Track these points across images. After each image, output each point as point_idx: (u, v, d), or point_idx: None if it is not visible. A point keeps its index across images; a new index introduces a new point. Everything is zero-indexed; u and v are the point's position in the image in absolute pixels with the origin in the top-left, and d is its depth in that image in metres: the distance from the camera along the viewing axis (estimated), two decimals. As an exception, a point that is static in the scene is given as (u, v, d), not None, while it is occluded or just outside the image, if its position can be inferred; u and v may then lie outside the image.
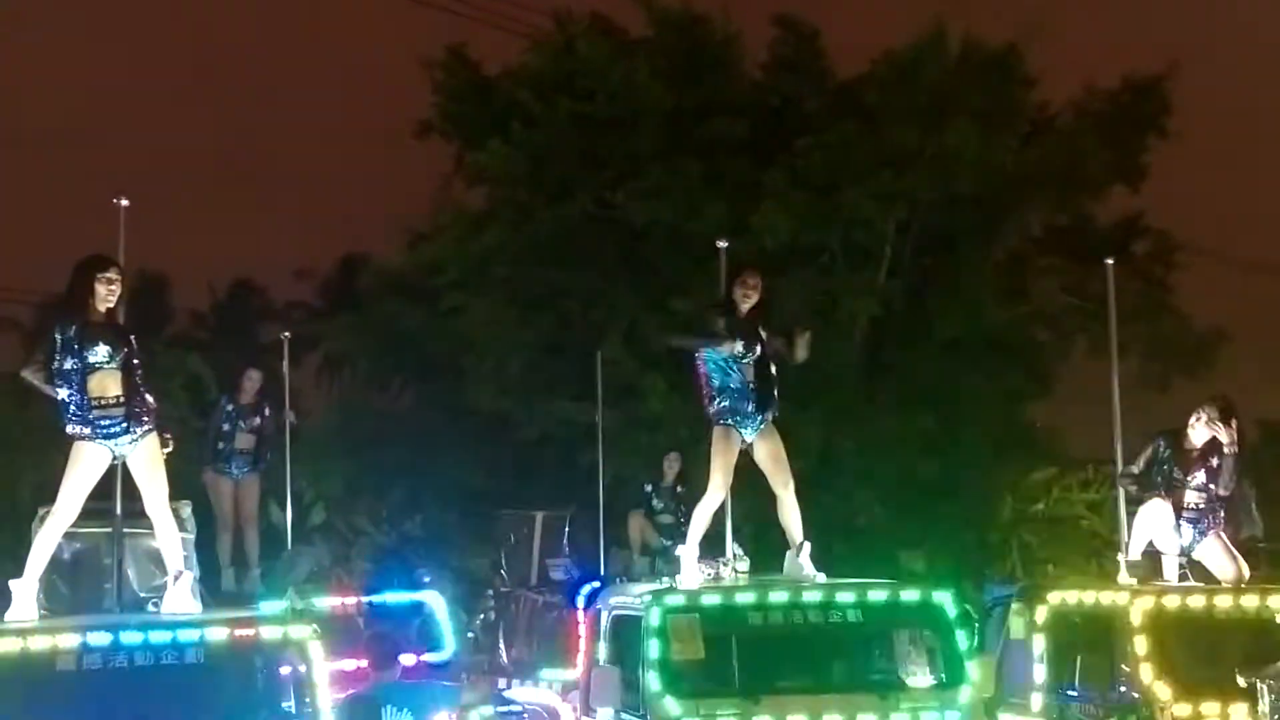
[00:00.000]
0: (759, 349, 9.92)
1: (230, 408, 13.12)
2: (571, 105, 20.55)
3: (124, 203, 8.85)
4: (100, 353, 8.12)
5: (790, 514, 9.95)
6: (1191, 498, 9.98)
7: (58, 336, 8.15)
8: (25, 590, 7.99)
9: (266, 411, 13.22)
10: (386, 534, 19.99)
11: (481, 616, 16.84)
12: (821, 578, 9.68)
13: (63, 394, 8.13)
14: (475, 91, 22.16)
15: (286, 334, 14.71)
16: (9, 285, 24.71)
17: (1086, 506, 21.06)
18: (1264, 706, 8.61)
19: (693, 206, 19.33)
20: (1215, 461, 9.91)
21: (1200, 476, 9.94)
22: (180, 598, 8.19)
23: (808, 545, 9.85)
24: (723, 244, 10.62)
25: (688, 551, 9.80)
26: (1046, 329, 22.28)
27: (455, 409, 21.81)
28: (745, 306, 9.96)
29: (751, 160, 20.06)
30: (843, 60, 21.62)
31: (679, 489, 14.22)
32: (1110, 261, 11.69)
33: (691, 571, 9.68)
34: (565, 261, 20.53)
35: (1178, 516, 9.97)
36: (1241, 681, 8.73)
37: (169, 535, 8.36)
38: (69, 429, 8.15)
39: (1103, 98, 21.31)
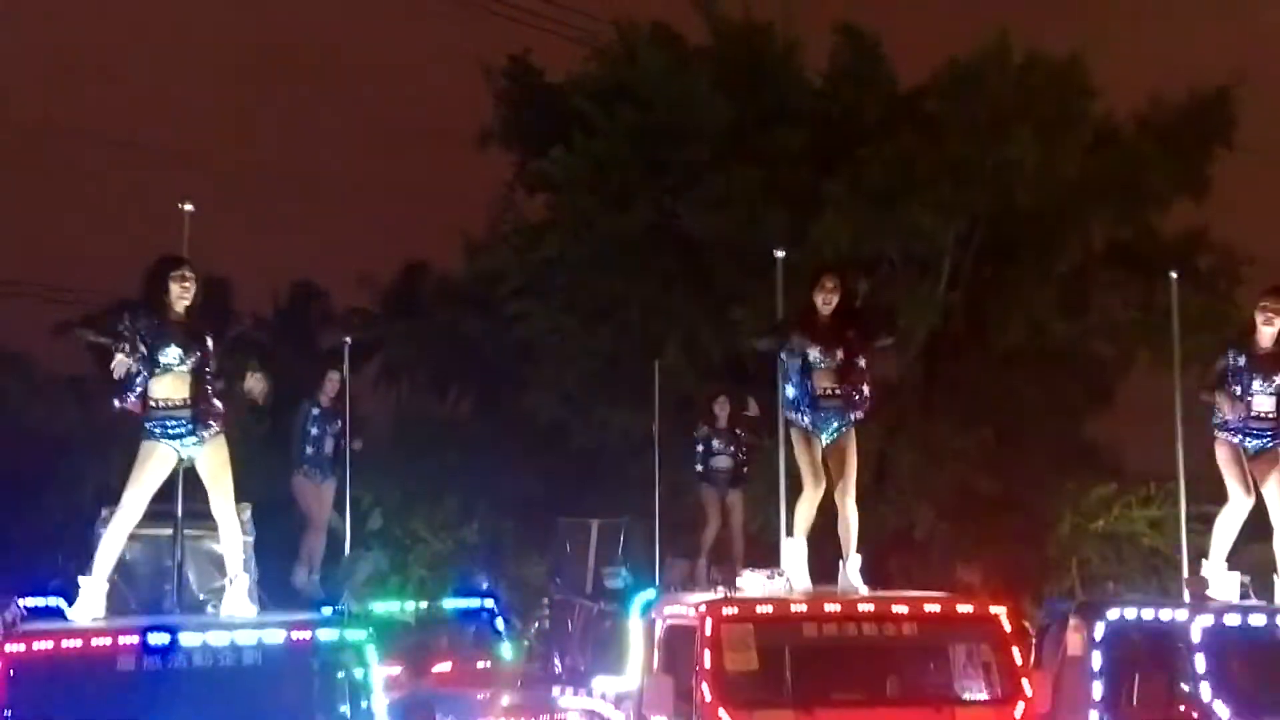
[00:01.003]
0: (840, 354, 9.89)
1: (315, 411, 13.11)
2: (632, 114, 20.59)
3: (189, 208, 8.96)
4: (171, 354, 8.17)
5: (846, 525, 9.92)
6: (1264, 404, 9.77)
7: (129, 323, 8.11)
8: (95, 588, 8.09)
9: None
10: (443, 541, 20.03)
11: (537, 624, 16.89)
12: (865, 592, 9.65)
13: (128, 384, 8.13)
14: (537, 100, 22.23)
15: (348, 339, 14.72)
16: (72, 288, 24.96)
17: (1148, 523, 20.80)
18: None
19: (753, 216, 19.29)
20: None
21: (1276, 380, 9.77)
22: (237, 601, 8.28)
23: (857, 559, 9.82)
24: (780, 254, 10.62)
25: (794, 546, 9.92)
26: (1108, 343, 22.03)
27: (513, 417, 21.87)
28: (827, 310, 9.96)
29: (812, 170, 20.00)
30: (904, 70, 21.52)
31: (737, 431, 14.09)
32: (1174, 275, 11.59)
33: (756, 581, 9.72)
34: (625, 270, 20.55)
35: (1247, 427, 9.75)
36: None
37: (232, 538, 8.44)
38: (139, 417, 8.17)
39: (1167, 109, 21.07)
